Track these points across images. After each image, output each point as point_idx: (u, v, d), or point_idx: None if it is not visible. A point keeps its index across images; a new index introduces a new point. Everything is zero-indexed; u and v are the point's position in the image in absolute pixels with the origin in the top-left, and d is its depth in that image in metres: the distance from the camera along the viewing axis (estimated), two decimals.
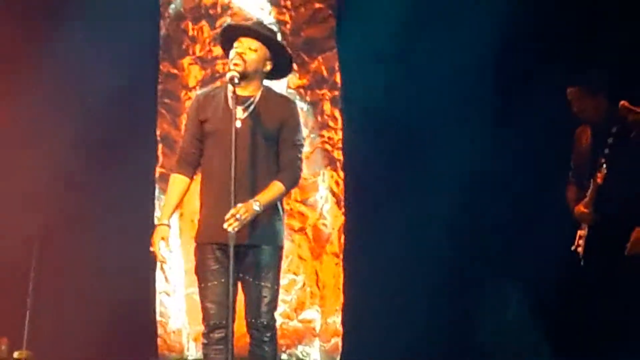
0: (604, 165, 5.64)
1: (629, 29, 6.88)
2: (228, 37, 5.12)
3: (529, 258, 7.08)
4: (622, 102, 5.55)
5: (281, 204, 5.10)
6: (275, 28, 7.67)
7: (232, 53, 5.01)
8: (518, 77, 7.29)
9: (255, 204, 4.87)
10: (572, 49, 7.06)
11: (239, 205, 4.79)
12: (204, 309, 4.99)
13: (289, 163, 5.07)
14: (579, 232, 5.90)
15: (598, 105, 5.85)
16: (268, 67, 5.09)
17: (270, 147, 5.04)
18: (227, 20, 7.87)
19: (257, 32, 5.08)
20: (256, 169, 4.96)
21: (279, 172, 5.04)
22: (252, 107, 5.03)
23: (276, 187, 4.98)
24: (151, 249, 5.02)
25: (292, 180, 5.10)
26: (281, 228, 5.10)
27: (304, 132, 7.54)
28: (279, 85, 7.85)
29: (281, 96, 5.30)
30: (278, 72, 5.21)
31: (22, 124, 7.55)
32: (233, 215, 4.77)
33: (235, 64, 4.96)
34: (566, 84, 5.90)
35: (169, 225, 5.05)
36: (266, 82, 5.18)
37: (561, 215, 6.10)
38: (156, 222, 7.64)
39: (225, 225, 4.76)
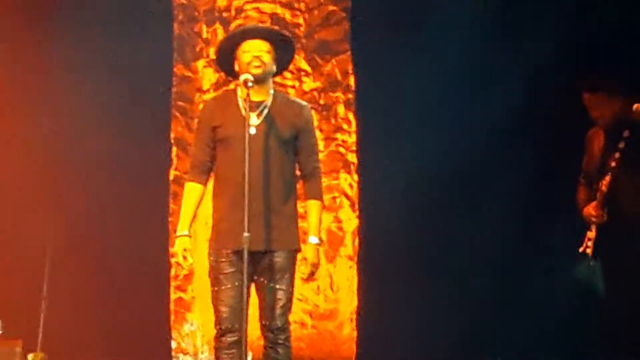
0: (609, 173, 5.62)
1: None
2: (228, 49, 5.10)
3: (537, 258, 7.09)
4: (636, 105, 5.52)
5: (296, 208, 5.10)
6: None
7: (246, 57, 5.00)
8: (530, 78, 7.29)
9: (314, 239, 5.04)
10: (584, 50, 7.07)
11: (308, 260, 5.02)
12: (217, 312, 4.98)
13: (314, 172, 5.14)
14: (588, 234, 5.88)
15: (615, 110, 5.80)
16: (275, 68, 5.11)
17: (285, 152, 5.04)
18: (240, 22, 7.89)
19: (267, 31, 5.11)
20: (270, 174, 4.97)
21: (306, 183, 5.13)
22: (265, 112, 5.03)
23: (317, 207, 5.12)
24: (173, 259, 5.04)
25: (321, 188, 5.20)
26: (296, 232, 5.10)
27: (318, 135, 7.61)
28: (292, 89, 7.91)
29: (295, 101, 5.31)
30: (278, 67, 5.19)
31: (36, 126, 7.55)
32: (311, 272, 5.04)
33: (257, 66, 4.96)
34: (578, 85, 5.87)
35: (189, 236, 5.04)
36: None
37: (571, 216, 6.08)
38: (170, 225, 7.74)
39: (306, 279, 5.08)
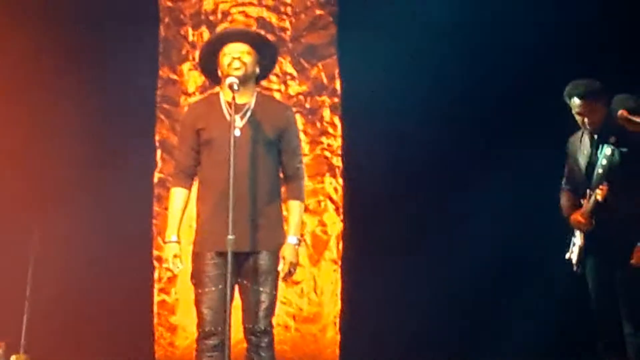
0: (605, 182, 5.59)
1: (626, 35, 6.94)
2: (212, 49, 5.14)
3: (524, 264, 7.11)
4: (621, 111, 5.51)
5: (280, 209, 5.12)
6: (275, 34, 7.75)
7: (226, 59, 5.03)
8: (516, 83, 7.32)
9: (293, 239, 5.03)
10: (569, 55, 7.12)
11: (285, 259, 4.99)
12: (199, 314, 4.98)
13: (296, 173, 5.15)
14: (573, 240, 5.88)
15: (602, 115, 5.78)
16: (257, 70, 5.14)
17: (269, 153, 5.05)
18: (226, 26, 7.90)
19: (247, 34, 5.16)
20: (255, 176, 4.98)
21: (288, 184, 5.14)
22: (249, 114, 5.05)
23: (298, 208, 5.12)
24: (165, 265, 5.04)
25: (303, 189, 5.20)
26: (281, 233, 5.10)
27: (304, 138, 7.62)
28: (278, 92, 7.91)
29: (278, 102, 5.36)
30: (262, 71, 5.22)
31: (22, 127, 7.54)
32: (289, 272, 5.00)
33: (236, 68, 4.99)
34: (563, 90, 5.87)
35: (178, 242, 5.04)
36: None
37: (555, 222, 6.09)
38: (154, 227, 7.74)
39: (283, 278, 5.02)
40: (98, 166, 7.59)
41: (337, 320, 7.79)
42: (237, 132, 4.92)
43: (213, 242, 4.93)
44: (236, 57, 5.01)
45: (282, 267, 5.00)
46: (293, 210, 5.11)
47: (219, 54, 5.08)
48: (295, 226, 5.08)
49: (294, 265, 5.02)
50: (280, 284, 5.10)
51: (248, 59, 5.04)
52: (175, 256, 4.98)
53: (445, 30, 7.44)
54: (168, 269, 5.15)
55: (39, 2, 7.72)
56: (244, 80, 5.00)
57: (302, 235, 5.20)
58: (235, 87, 4.92)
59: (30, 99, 7.55)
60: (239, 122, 4.99)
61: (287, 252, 5.02)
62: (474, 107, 7.49)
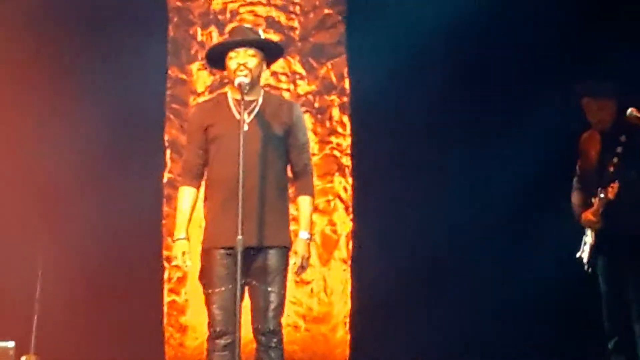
0: (616, 181, 5.58)
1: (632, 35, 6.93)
2: (217, 55, 5.16)
3: (534, 263, 7.10)
4: (630, 109, 5.50)
5: (287, 206, 5.12)
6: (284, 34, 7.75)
7: (232, 64, 5.05)
8: (525, 82, 7.32)
9: (304, 234, 5.04)
10: (578, 54, 7.11)
11: (297, 254, 5.00)
12: (211, 315, 4.98)
13: (305, 169, 5.16)
14: (585, 239, 5.87)
15: (612, 114, 5.78)
16: (264, 67, 5.17)
17: (277, 150, 5.07)
18: (235, 25, 7.89)
19: (249, 39, 5.14)
20: (263, 171, 4.99)
21: (297, 180, 5.16)
22: (256, 110, 5.08)
23: (308, 203, 5.13)
24: (174, 262, 5.07)
25: (312, 184, 5.22)
26: (288, 229, 5.11)
27: (313, 138, 7.61)
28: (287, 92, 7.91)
29: (284, 99, 5.40)
30: (269, 63, 5.27)
31: (31, 128, 7.55)
32: (301, 266, 5.00)
33: (244, 75, 5.01)
34: (573, 89, 5.87)
35: (187, 239, 5.05)
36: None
37: (566, 221, 6.08)
38: (163, 228, 7.74)
39: (297, 272, 5.01)
40: (107, 166, 7.60)
41: (347, 320, 7.79)
42: (245, 127, 4.93)
43: (222, 237, 4.93)
44: (242, 62, 5.03)
45: (295, 262, 5.00)
46: (303, 205, 5.12)
47: (225, 57, 5.09)
48: (305, 221, 5.09)
49: (307, 259, 5.03)
50: (290, 285, 5.10)
51: (253, 63, 5.06)
52: (184, 253, 5.00)
53: (454, 29, 7.43)
54: (177, 267, 5.15)
55: (48, 3, 7.72)
56: (251, 84, 5.02)
57: (311, 235, 5.18)
58: (246, 88, 4.95)
59: (40, 99, 7.56)
60: (247, 118, 5.01)
61: (299, 246, 5.03)
62: (482, 106, 7.49)
